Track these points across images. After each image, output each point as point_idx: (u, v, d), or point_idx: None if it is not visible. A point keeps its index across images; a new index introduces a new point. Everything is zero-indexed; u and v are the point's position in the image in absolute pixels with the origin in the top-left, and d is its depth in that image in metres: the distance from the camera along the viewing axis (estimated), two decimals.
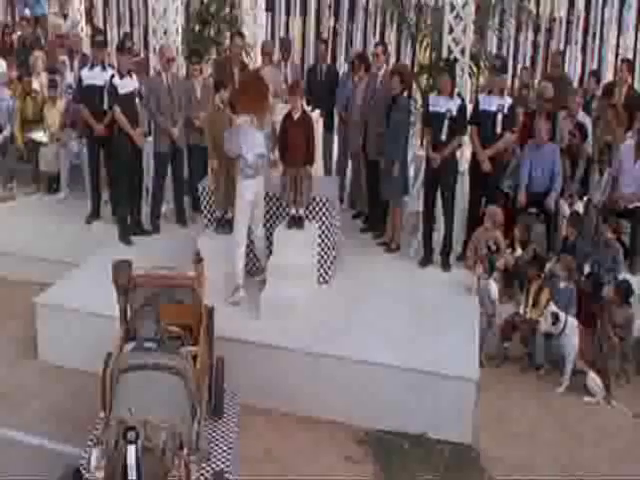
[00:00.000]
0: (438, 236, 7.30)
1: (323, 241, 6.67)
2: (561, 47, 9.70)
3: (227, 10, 9.04)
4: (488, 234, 6.92)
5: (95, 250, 7.21)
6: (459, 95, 6.80)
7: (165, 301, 5.17)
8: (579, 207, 7.46)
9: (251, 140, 6.08)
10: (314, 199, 6.53)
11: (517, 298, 6.84)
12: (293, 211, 6.46)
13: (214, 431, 5.24)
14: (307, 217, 6.56)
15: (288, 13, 11.48)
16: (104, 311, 5.91)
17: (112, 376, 4.62)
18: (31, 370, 6.37)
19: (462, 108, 6.70)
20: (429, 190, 7.02)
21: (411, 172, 7.82)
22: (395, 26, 9.70)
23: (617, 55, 9.77)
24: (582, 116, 7.76)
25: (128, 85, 7.17)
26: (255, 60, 8.86)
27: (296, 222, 6.45)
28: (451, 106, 6.68)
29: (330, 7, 10.91)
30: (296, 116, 6.19)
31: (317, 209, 6.60)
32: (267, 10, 10.74)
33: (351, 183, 8.38)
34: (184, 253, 6.69)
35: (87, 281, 6.60)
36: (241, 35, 8.29)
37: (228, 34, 8.74)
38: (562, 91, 7.85)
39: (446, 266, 7.13)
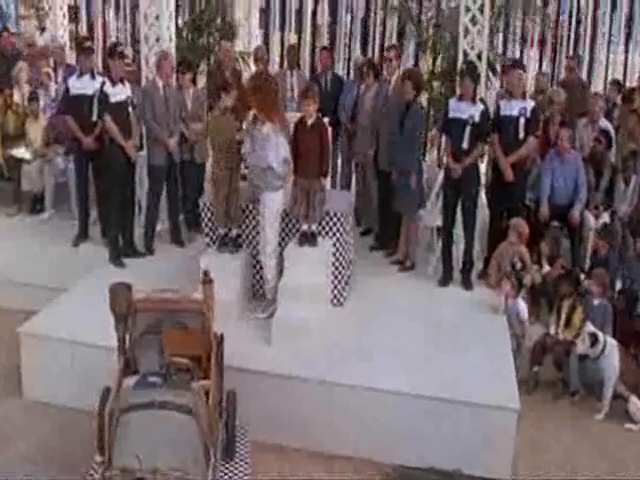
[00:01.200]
0: (457, 252, 6.80)
1: (337, 259, 6.12)
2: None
3: (220, 19, 8.52)
4: (513, 249, 6.43)
5: (84, 274, 6.61)
6: (481, 100, 6.33)
7: (170, 328, 4.59)
8: (605, 219, 7.01)
9: (275, 148, 5.57)
10: (327, 213, 5.99)
11: (546, 318, 6.34)
12: (305, 227, 5.90)
13: (225, 474, 4.64)
14: (320, 233, 6.01)
15: (283, 29, 11.05)
16: (97, 341, 5.34)
17: (112, 416, 4.03)
18: (15, 406, 5.71)
19: (485, 114, 6.22)
20: (449, 203, 6.51)
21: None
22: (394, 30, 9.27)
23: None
24: (604, 123, 7.34)
25: (120, 93, 6.59)
26: (250, 67, 8.35)
27: (308, 239, 5.89)
28: (473, 112, 6.20)
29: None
30: (309, 122, 5.66)
31: (331, 224, 6.05)
32: (260, 27, 10.33)
33: (358, 197, 7.85)
34: (182, 276, 6.21)
35: (76, 308, 5.98)
36: (228, 39, 7.81)
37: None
38: (580, 97, 7.43)
39: (468, 284, 6.61)
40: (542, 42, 9.47)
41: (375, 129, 7.05)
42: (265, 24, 10.18)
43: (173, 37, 7.58)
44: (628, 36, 9.28)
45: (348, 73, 9.64)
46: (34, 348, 5.73)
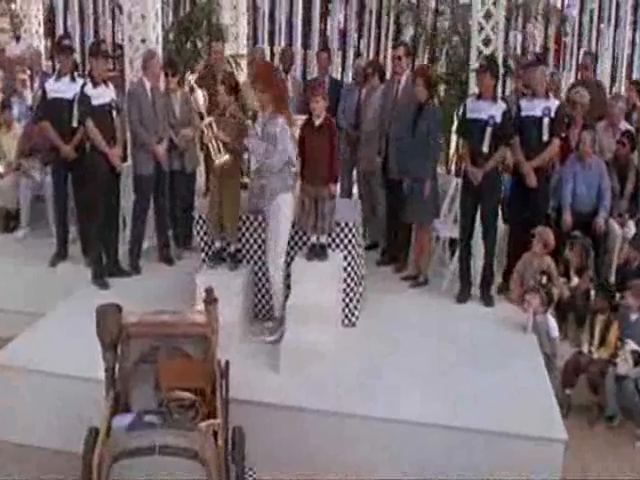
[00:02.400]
0: (473, 265, 6.24)
1: (349, 275, 5.53)
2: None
3: (209, 20, 7.95)
4: (538, 260, 5.89)
5: (63, 297, 5.95)
6: (503, 99, 5.82)
7: (167, 356, 3.94)
8: (631, 228, 6.52)
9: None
10: (337, 224, 5.40)
11: (574, 335, 5.80)
12: (313, 239, 5.31)
13: None
14: (329, 245, 5.42)
15: (272, 43, 10.53)
16: (80, 373, 4.73)
17: (101, 463, 3.37)
18: None
19: (507, 113, 5.69)
20: (467, 212, 5.95)
21: None
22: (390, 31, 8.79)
23: None
24: (624, 125, 6.87)
25: (104, 95, 5.95)
26: (242, 70, 7.78)
27: (317, 252, 5.29)
28: (494, 112, 5.66)
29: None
30: (318, 122, 5.07)
31: (342, 236, 5.46)
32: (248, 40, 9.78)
33: (362, 209, 7.26)
34: (174, 296, 5.61)
35: (56, 335, 5.31)
36: (220, 40, 7.24)
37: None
38: (596, 97, 6.96)
39: (488, 300, 6.05)
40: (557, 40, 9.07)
41: (382, 134, 6.50)
42: (253, 29, 9.64)
43: (160, 39, 6.99)
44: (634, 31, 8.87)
45: (342, 77, 9.10)
46: (8, 381, 5.01)
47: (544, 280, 5.75)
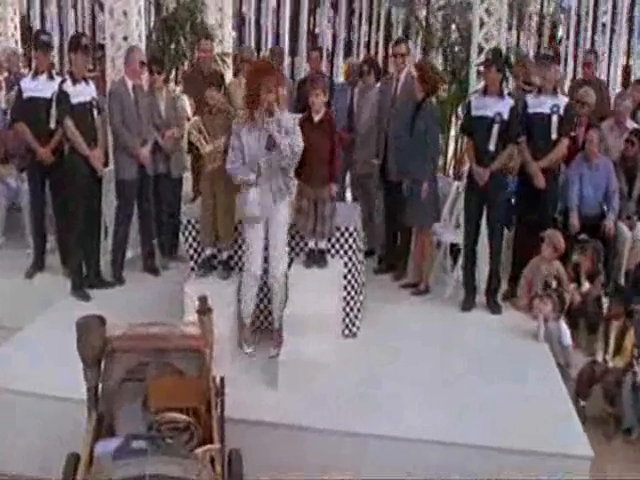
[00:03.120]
0: (477, 271, 5.92)
1: (349, 282, 5.17)
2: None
3: (193, 20, 7.59)
4: (547, 265, 5.59)
5: (41, 310, 5.54)
6: (510, 95, 5.51)
7: (157, 373, 3.55)
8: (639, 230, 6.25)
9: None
10: (338, 228, 5.05)
11: (585, 342, 5.50)
12: (312, 244, 4.95)
13: None
14: (328, 251, 5.07)
15: (259, 48, 10.21)
16: (60, 392, 4.31)
17: None
18: None
19: (515, 110, 5.38)
20: (472, 215, 5.63)
21: None
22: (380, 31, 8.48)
23: None
24: (630, 124, 6.60)
25: (84, 93, 5.54)
26: (229, 69, 7.43)
27: (316, 258, 4.93)
28: (501, 108, 5.34)
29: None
30: (317, 118, 4.71)
31: (342, 241, 5.10)
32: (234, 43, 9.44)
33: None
34: (161, 308, 5.24)
35: (33, 351, 4.88)
36: (209, 38, 6.89)
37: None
38: (599, 96, 6.69)
39: (495, 307, 5.73)
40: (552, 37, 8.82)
41: (381, 134, 6.17)
42: (239, 33, 9.30)
43: (143, 36, 6.62)
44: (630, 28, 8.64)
45: (331, 78, 8.76)
46: None
47: (554, 285, 5.44)
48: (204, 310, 3.63)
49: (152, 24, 7.73)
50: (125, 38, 6.42)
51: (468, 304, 5.76)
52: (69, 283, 5.95)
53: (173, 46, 7.56)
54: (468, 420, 4.35)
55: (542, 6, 8.03)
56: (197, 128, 4.97)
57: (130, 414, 3.47)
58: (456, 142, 7.12)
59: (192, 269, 5.31)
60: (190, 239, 5.28)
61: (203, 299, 3.65)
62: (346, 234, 5.08)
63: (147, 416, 3.38)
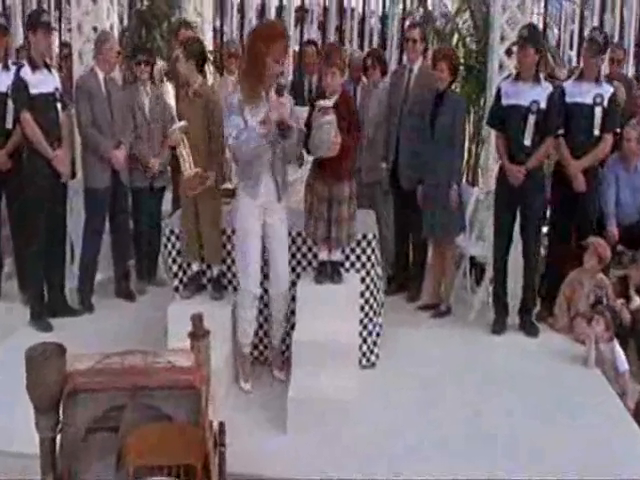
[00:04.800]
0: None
1: (367, 302, 4.31)
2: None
3: (172, 14, 6.80)
4: (591, 279, 4.82)
5: None
6: (548, 79, 4.78)
7: (137, 420, 2.63)
8: None
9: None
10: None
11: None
12: (323, 255, 4.10)
13: None
14: (342, 264, 4.20)
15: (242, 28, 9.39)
16: (8, 445, 3.44)
17: None
18: None
19: (554, 96, 4.61)
20: (504, 223, 4.82)
21: None
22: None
23: None
24: None
25: (46, 82, 4.65)
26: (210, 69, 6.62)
27: (329, 272, 4.06)
28: (538, 95, 4.57)
29: None
30: (333, 100, 3.86)
31: (358, 251, 4.25)
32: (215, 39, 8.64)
33: None
34: (136, 340, 4.29)
35: None
36: (189, 26, 6.10)
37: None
38: (627, 94, 6.01)
39: (532, 329, 4.92)
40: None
41: (391, 135, 5.37)
42: (220, 28, 8.48)
43: (115, 28, 5.81)
44: None
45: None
46: None
47: (604, 300, 4.67)
48: (199, 333, 2.74)
49: (125, 16, 6.88)
50: (94, 29, 5.59)
51: (499, 326, 4.93)
52: (28, 311, 5.03)
53: (149, 44, 6.72)
54: (520, 466, 3.50)
55: None
56: (182, 139, 4.11)
57: (99, 474, 2.56)
58: (470, 146, 6.35)
59: (176, 289, 4.41)
60: (173, 253, 4.40)
61: (198, 318, 2.77)
62: (363, 243, 4.22)
63: (123, 478, 2.47)
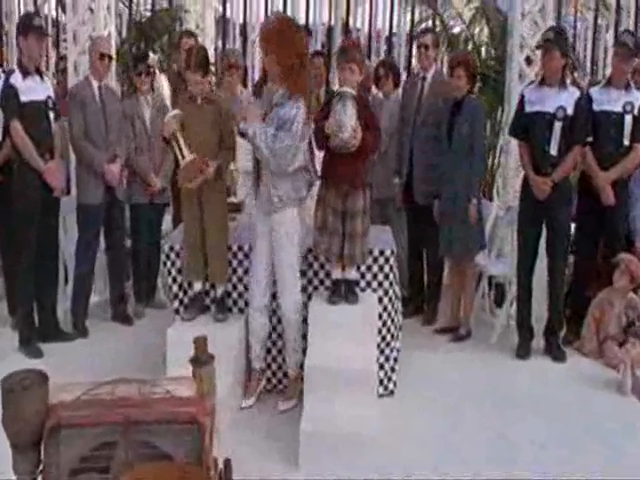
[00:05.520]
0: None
1: (385, 324, 3.96)
2: None
3: (173, 29, 6.55)
4: (621, 298, 4.49)
5: None
6: (575, 84, 4.50)
7: (130, 459, 2.28)
8: None
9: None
10: (370, 252, 3.86)
11: None
12: (337, 273, 3.76)
13: None
14: (357, 283, 3.87)
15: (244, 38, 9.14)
16: None
17: None
18: None
19: (581, 101, 4.31)
20: (528, 239, 4.49)
21: None
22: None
23: None
24: None
25: (37, 90, 4.34)
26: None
27: (344, 292, 3.73)
28: (564, 101, 4.28)
29: None
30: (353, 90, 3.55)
31: (375, 269, 3.91)
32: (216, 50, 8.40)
33: None
34: (132, 367, 4.09)
35: None
36: (191, 35, 5.82)
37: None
38: None
39: (559, 354, 4.58)
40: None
41: (404, 148, 5.06)
42: (222, 39, 8.25)
43: (113, 34, 5.54)
44: None
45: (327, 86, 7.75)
46: None
47: (637, 322, 4.34)
48: (202, 359, 2.40)
49: (125, 27, 6.64)
50: (91, 38, 5.33)
51: (524, 350, 4.59)
52: (17, 336, 4.68)
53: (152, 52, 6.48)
54: None
55: None
56: (178, 128, 3.81)
57: None
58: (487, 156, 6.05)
59: (176, 311, 4.07)
60: (174, 272, 4.06)
61: (201, 341, 2.42)
62: (381, 259, 3.88)
63: None
